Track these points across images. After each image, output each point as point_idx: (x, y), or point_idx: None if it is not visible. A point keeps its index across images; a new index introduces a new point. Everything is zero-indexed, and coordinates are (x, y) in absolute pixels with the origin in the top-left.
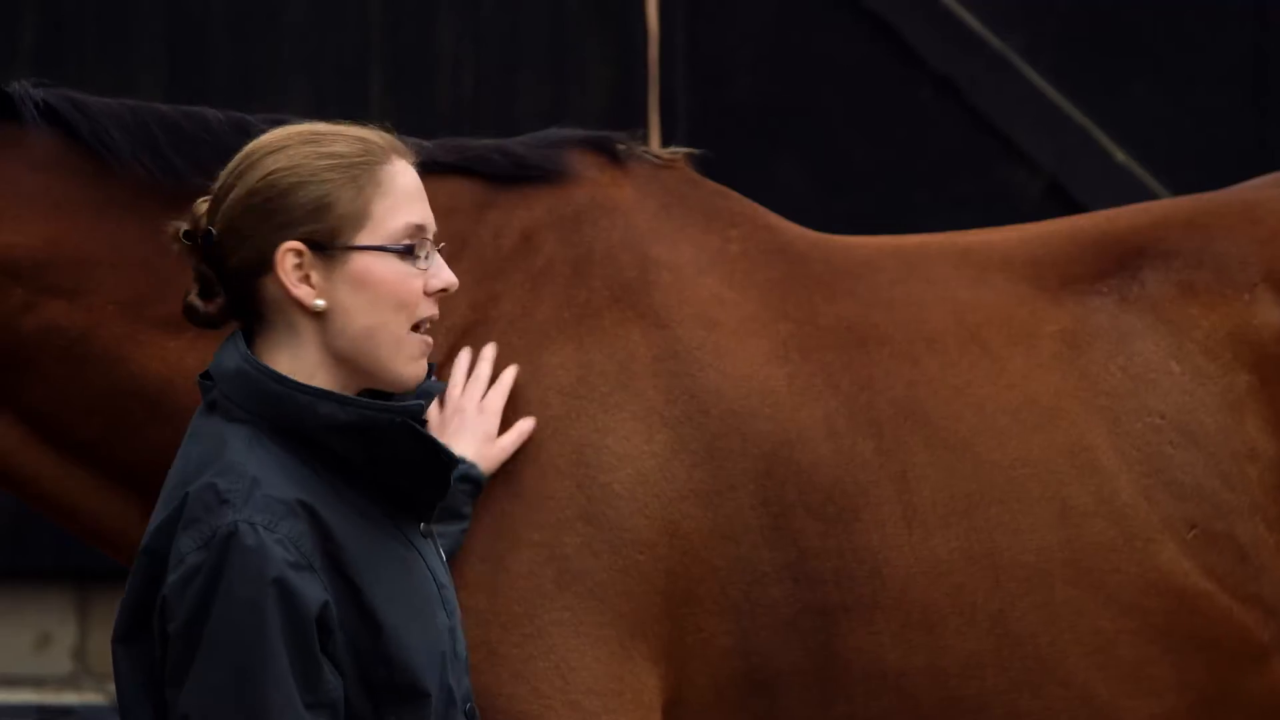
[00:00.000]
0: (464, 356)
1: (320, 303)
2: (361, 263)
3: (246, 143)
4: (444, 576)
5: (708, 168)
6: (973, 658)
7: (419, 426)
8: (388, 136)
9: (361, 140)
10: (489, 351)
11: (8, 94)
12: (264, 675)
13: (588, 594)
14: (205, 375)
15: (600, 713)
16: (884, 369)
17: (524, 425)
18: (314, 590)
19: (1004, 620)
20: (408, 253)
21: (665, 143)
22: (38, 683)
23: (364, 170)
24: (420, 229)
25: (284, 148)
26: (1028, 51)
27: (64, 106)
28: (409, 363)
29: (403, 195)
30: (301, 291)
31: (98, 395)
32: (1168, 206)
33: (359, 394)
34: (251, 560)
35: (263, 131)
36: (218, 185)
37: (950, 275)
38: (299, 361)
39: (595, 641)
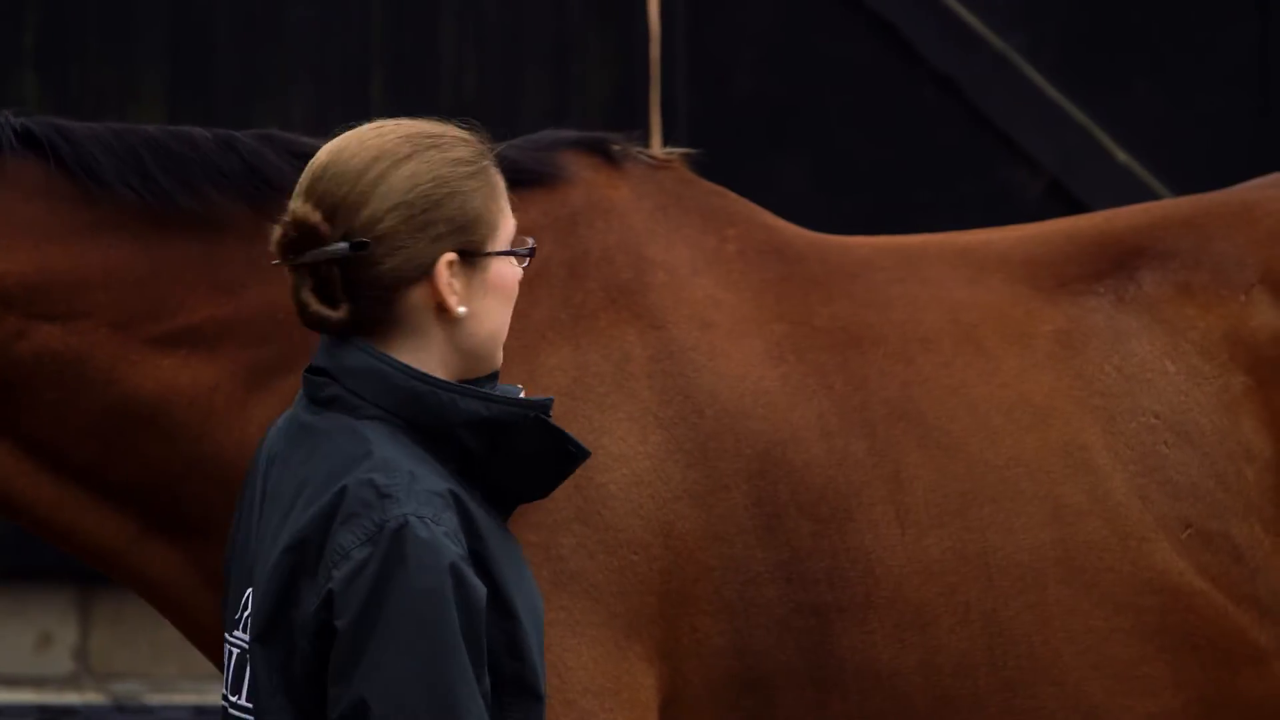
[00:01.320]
0: None
1: (463, 309)
2: (496, 268)
3: (234, 160)
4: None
5: (709, 167)
6: (966, 657)
7: (550, 420)
8: (477, 136)
9: (466, 141)
10: None
11: None
12: (450, 665)
13: (583, 594)
14: (315, 371)
15: (597, 712)
16: (878, 369)
17: None
18: (479, 582)
19: (997, 619)
20: (525, 254)
21: (666, 143)
22: (39, 682)
23: (487, 175)
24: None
25: (412, 155)
26: (1029, 51)
27: (48, 134)
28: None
29: (505, 198)
30: (452, 300)
31: (93, 418)
32: (1166, 207)
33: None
34: (428, 552)
35: (250, 147)
36: (333, 194)
37: (947, 275)
38: (416, 362)
39: (592, 641)
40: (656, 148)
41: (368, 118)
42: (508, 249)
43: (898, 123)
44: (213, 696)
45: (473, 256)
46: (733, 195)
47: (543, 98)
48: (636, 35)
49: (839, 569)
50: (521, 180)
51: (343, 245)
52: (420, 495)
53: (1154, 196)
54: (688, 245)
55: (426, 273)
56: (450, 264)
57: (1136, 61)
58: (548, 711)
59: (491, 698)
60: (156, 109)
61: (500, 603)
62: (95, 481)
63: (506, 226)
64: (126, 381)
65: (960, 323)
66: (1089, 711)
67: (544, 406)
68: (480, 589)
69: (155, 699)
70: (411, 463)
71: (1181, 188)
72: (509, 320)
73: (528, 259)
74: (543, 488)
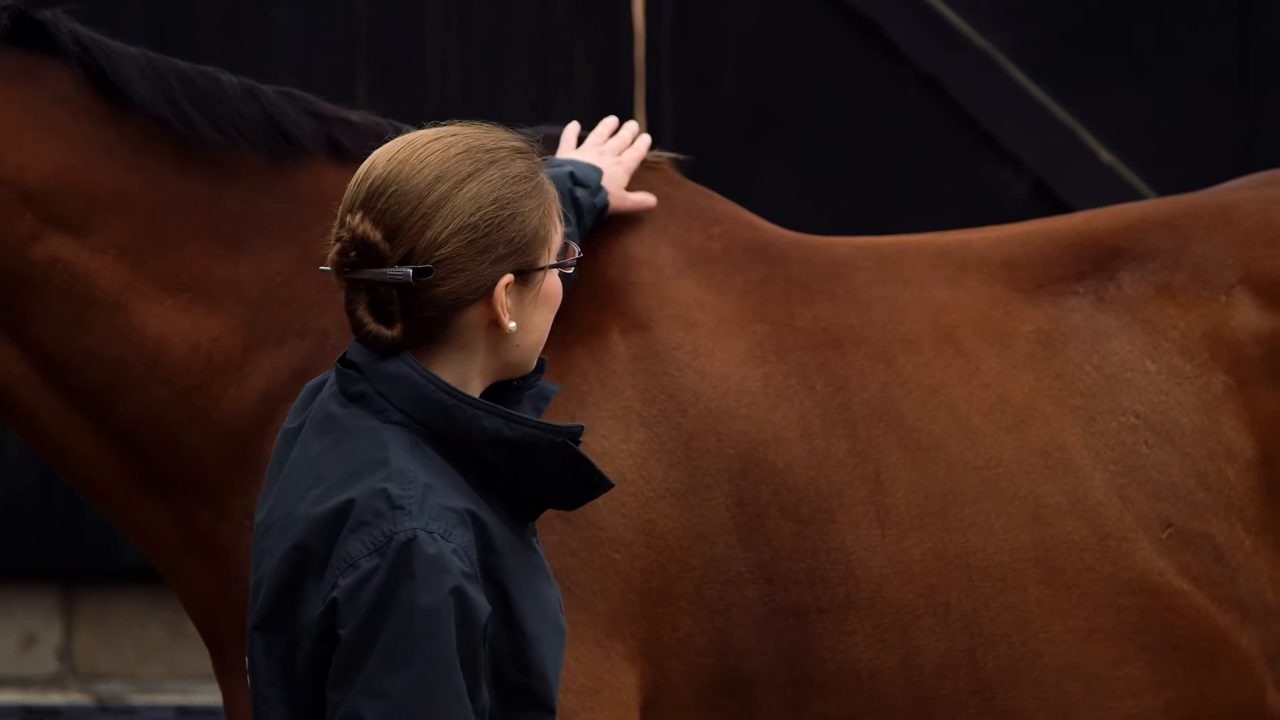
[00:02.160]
0: (611, 119)
1: (514, 325)
2: (548, 281)
3: (255, 108)
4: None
5: (693, 167)
6: (946, 658)
7: (576, 447)
8: (524, 138)
9: (521, 153)
10: (634, 125)
11: (40, 22)
12: (446, 686)
13: (565, 592)
14: (347, 364)
15: (579, 711)
16: (859, 370)
17: (648, 198)
18: (483, 601)
19: (977, 620)
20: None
21: (652, 141)
22: (23, 683)
23: (543, 190)
24: None
25: (474, 174)
26: (1013, 51)
27: (90, 43)
28: None
29: (558, 207)
30: (506, 318)
31: (99, 340)
32: (1146, 207)
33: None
34: (433, 569)
35: (272, 99)
36: (394, 213)
37: (927, 276)
38: (460, 373)
39: (573, 640)
40: None
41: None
42: (558, 261)
43: (882, 122)
44: (197, 697)
45: (527, 274)
46: (717, 196)
47: (527, 96)
48: (621, 34)
49: (820, 570)
50: None
51: (405, 270)
52: (432, 509)
53: (1138, 196)
54: (672, 245)
55: (486, 294)
56: (507, 285)
57: (1120, 61)
58: None
59: (499, 709)
60: None
61: (511, 618)
62: (98, 411)
63: (558, 238)
64: (133, 310)
65: (940, 323)
66: (1069, 712)
67: (571, 433)
68: (482, 609)
69: (139, 699)
70: (429, 475)
71: (1165, 187)
72: (551, 324)
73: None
74: (567, 504)
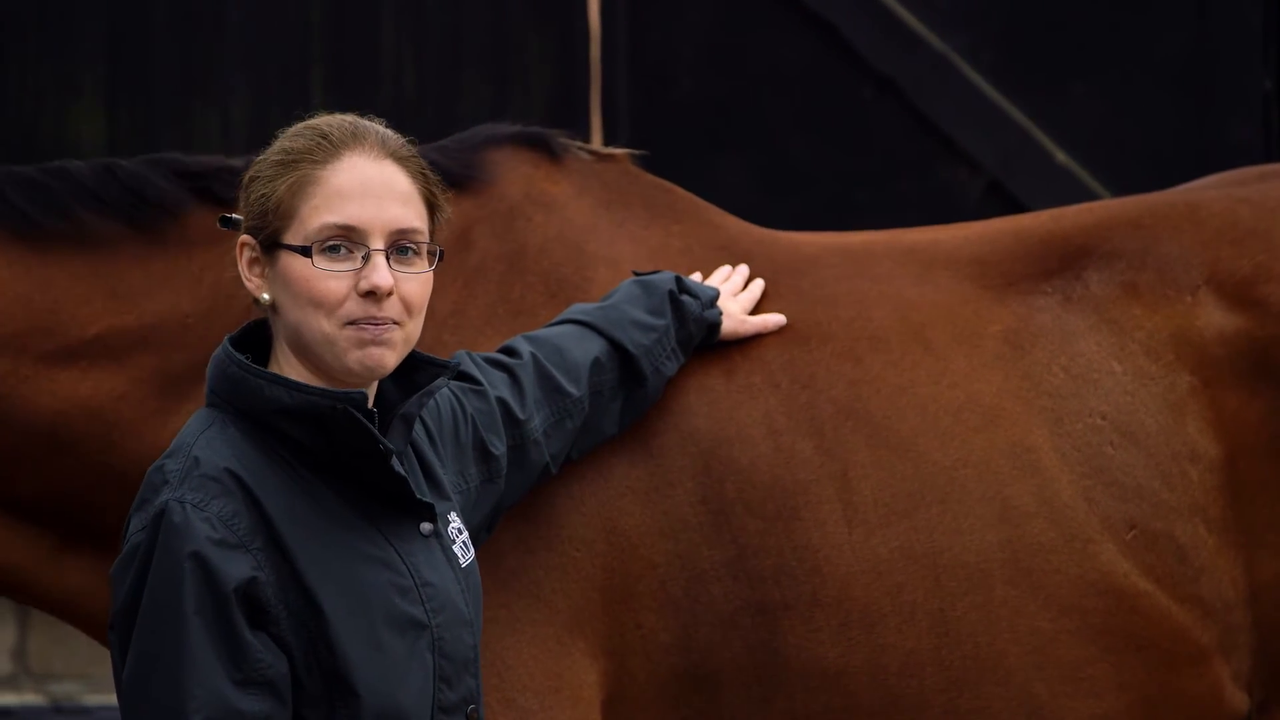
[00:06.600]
0: (725, 268)
1: (266, 296)
2: (284, 261)
3: (112, 185)
4: (433, 574)
5: (649, 167)
6: (912, 656)
7: (359, 415)
8: (353, 130)
9: (319, 135)
10: (745, 269)
11: None
12: (180, 649)
13: (524, 591)
14: None
15: (537, 710)
16: (826, 367)
17: (775, 318)
18: (236, 567)
19: (944, 619)
20: (324, 252)
21: (607, 142)
22: None
23: (302, 168)
24: (345, 229)
25: (270, 146)
26: (969, 52)
27: None
28: (348, 354)
29: (333, 195)
30: (252, 284)
31: None
32: (1112, 207)
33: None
34: (174, 537)
35: (130, 171)
36: None
37: (895, 273)
38: (282, 353)
39: (532, 639)
40: (598, 145)
41: (305, 117)
42: (294, 245)
43: (837, 123)
44: None
45: (266, 245)
46: (680, 191)
47: (482, 97)
48: (577, 35)
49: (786, 567)
50: (447, 181)
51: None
52: (193, 480)
53: (1093, 196)
54: (631, 241)
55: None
56: (247, 246)
57: (1076, 62)
58: (487, 711)
59: (323, 689)
60: (95, 109)
61: (307, 598)
62: (4, 499)
63: (309, 224)
64: (17, 396)
65: (909, 321)
66: (1033, 712)
67: (351, 399)
68: (228, 575)
69: (93, 700)
70: (208, 448)
71: (1120, 188)
72: (317, 321)
73: (352, 261)
74: (386, 480)
